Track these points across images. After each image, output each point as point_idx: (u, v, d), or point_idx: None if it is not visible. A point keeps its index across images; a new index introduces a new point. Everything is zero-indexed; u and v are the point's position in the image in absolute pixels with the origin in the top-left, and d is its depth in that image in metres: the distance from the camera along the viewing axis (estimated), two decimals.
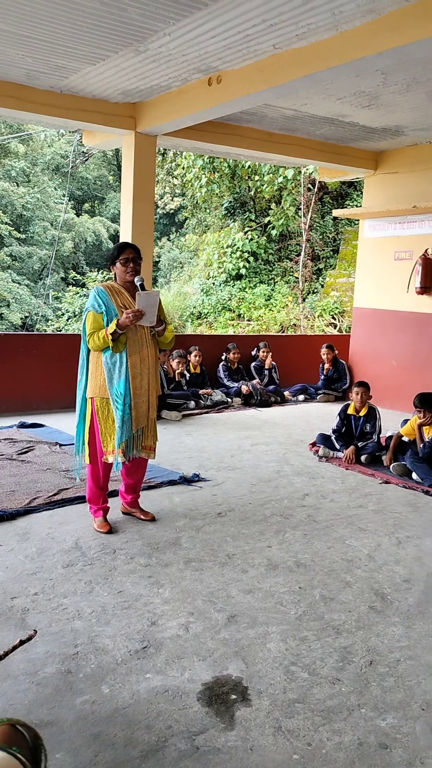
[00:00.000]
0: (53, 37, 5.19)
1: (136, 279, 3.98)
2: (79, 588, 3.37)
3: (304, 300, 14.29)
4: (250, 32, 4.92)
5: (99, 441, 4.04)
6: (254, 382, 8.87)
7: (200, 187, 14.84)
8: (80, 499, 4.59)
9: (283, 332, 13.20)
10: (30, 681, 2.59)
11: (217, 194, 15.61)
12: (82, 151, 19.74)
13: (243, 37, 5.02)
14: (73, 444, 6.09)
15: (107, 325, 3.90)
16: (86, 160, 21.27)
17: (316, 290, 14.66)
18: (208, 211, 17.03)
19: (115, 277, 4.11)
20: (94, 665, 2.71)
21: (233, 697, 2.55)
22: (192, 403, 7.92)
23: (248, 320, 14.06)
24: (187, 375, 8.27)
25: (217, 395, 8.35)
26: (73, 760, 2.19)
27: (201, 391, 8.27)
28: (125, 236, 7.49)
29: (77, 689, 2.55)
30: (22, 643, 1.27)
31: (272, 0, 4.36)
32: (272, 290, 14.85)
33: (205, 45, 5.24)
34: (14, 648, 1.27)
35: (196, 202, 16.44)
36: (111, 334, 3.84)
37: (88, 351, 4.07)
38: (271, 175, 13.82)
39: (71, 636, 2.92)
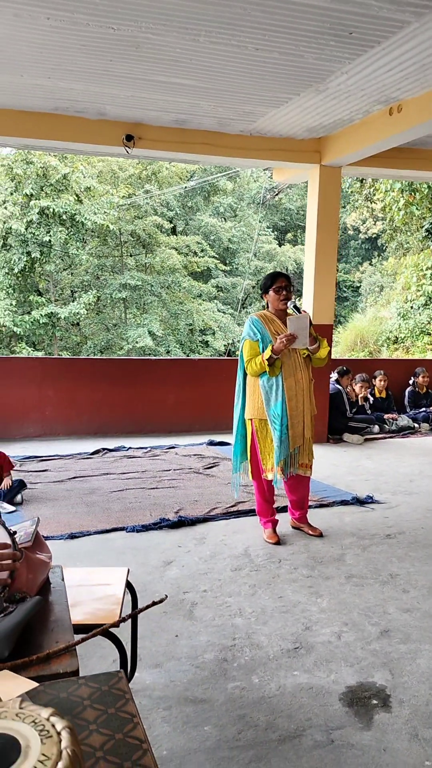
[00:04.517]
0: (240, 88, 5.71)
1: (288, 304, 4.25)
2: (243, 590, 3.67)
3: None
4: (425, 62, 5.01)
5: (259, 459, 4.33)
6: None
7: (398, 210, 14.71)
8: (254, 512, 4.91)
9: None
10: (190, 663, 2.92)
11: (417, 216, 15.33)
12: (273, 186, 20.53)
13: (419, 67, 5.12)
14: None
15: (263, 352, 4.18)
16: (277, 194, 22.04)
17: None
18: (408, 233, 16.75)
19: (268, 305, 4.40)
20: (248, 657, 2.98)
21: (374, 702, 2.66)
22: (376, 428, 7.92)
23: None
24: (371, 399, 8.29)
25: (403, 420, 8.25)
26: (219, 733, 2.47)
27: (386, 416, 8.23)
28: (309, 264, 7.78)
29: (230, 676, 2.84)
30: (154, 603, 1.59)
31: None
32: None
33: (382, 78, 5.41)
34: (147, 607, 1.59)
35: (395, 225, 16.28)
36: (267, 359, 4.12)
37: (245, 375, 4.37)
38: None
39: (231, 630, 3.22)
